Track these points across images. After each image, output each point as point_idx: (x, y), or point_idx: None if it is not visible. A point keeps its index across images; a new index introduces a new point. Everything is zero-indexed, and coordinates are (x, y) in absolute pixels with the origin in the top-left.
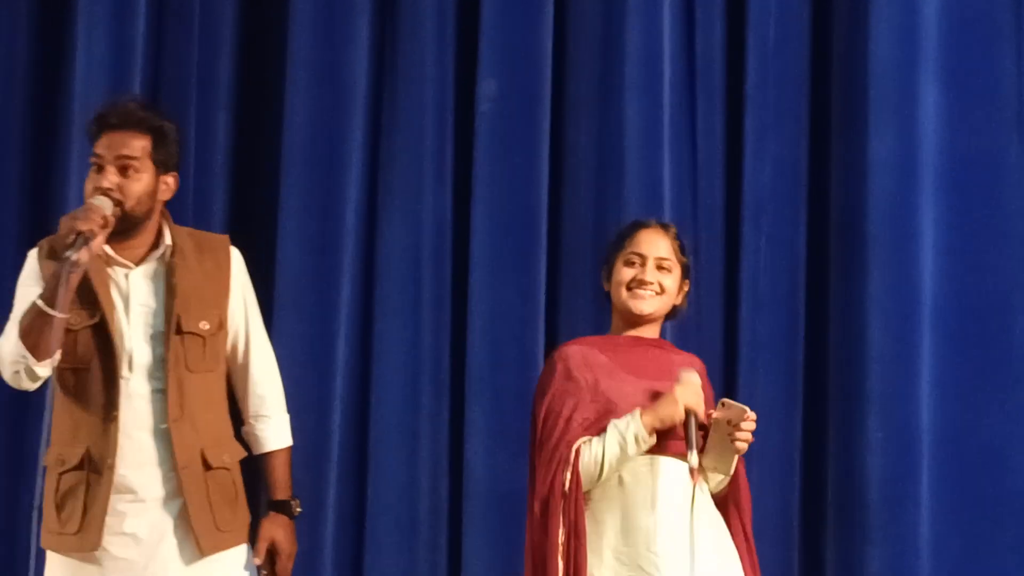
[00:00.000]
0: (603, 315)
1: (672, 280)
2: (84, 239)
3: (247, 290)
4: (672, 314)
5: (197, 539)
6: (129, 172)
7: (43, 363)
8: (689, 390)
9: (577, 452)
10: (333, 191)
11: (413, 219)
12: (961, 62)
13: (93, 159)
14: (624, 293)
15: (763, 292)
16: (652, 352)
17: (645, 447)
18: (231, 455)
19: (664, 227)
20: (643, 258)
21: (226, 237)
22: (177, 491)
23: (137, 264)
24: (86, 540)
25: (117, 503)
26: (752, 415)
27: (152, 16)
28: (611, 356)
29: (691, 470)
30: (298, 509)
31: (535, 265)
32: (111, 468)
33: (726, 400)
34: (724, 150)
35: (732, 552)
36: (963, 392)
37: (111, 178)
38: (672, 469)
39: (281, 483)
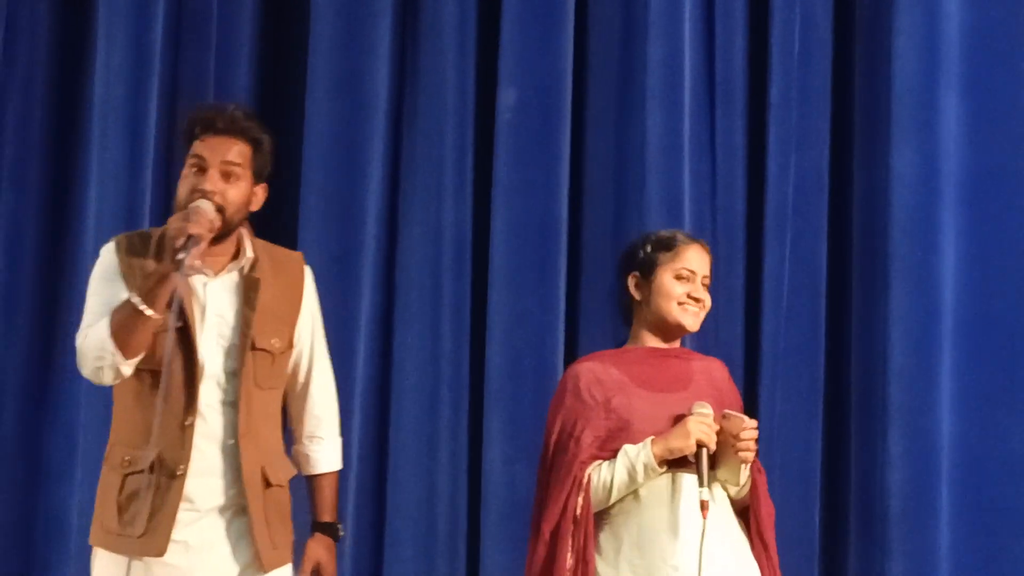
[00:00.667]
0: (621, 326)
1: (708, 298)
2: (195, 242)
3: (316, 310)
4: None
5: (259, 555)
6: (231, 178)
7: (129, 361)
8: (701, 423)
9: (588, 476)
10: (353, 201)
11: (433, 228)
12: (982, 77)
13: (193, 160)
14: (675, 307)
15: (784, 305)
16: (669, 362)
17: (655, 476)
18: (285, 473)
19: (705, 245)
20: (693, 274)
21: (300, 255)
22: (236, 504)
23: (216, 274)
24: (151, 545)
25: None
26: (750, 424)
27: (170, 25)
28: (625, 370)
29: (701, 503)
30: (342, 532)
31: (554, 275)
32: (182, 476)
33: (726, 411)
34: (745, 162)
35: (750, 564)
36: (982, 406)
37: (216, 183)
38: (689, 485)
39: (329, 505)
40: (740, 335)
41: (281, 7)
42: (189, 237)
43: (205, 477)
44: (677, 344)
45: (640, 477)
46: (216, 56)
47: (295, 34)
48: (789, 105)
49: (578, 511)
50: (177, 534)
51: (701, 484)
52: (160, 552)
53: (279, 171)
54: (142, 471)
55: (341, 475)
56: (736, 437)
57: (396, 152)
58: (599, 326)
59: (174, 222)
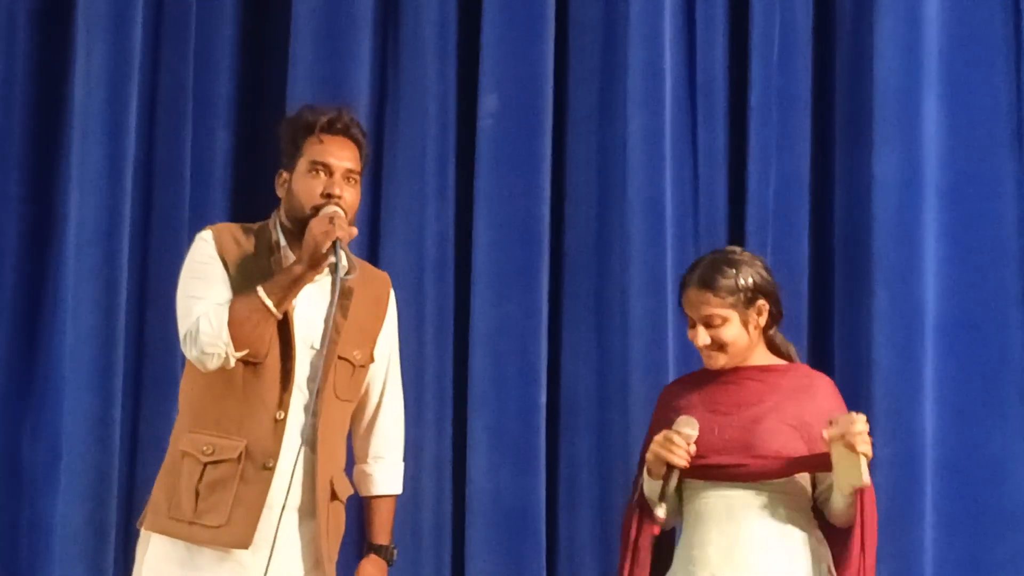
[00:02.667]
0: (606, 330)
1: (731, 329)
2: (341, 246)
3: (395, 332)
4: (770, 340)
5: (320, 563)
6: (349, 183)
7: (239, 353)
8: (659, 445)
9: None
10: None
11: (415, 234)
12: (961, 80)
13: (315, 164)
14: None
15: None
16: (744, 384)
17: (651, 483)
18: (345, 490)
19: (703, 282)
20: (693, 320)
21: (387, 275)
22: (306, 509)
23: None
24: (235, 536)
25: None
26: (859, 417)
27: (149, 32)
28: (699, 392)
29: (655, 517)
30: (396, 556)
31: (537, 280)
32: (271, 470)
33: (833, 418)
34: (726, 166)
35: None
36: (965, 407)
37: (342, 188)
38: (741, 503)
39: (386, 527)
40: None
41: (261, 14)
42: (335, 241)
43: (285, 476)
44: (765, 360)
45: (646, 489)
46: (195, 63)
47: (275, 42)
48: (770, 108)
49: (632, 531)
50: None
51: (660, 498)
52: (246, 544)
53: (260, 180)
54: (227, 460)
55: None
56: (850, 435)
57: (378, 159)
58: (582, 331)
59: (318, 226)
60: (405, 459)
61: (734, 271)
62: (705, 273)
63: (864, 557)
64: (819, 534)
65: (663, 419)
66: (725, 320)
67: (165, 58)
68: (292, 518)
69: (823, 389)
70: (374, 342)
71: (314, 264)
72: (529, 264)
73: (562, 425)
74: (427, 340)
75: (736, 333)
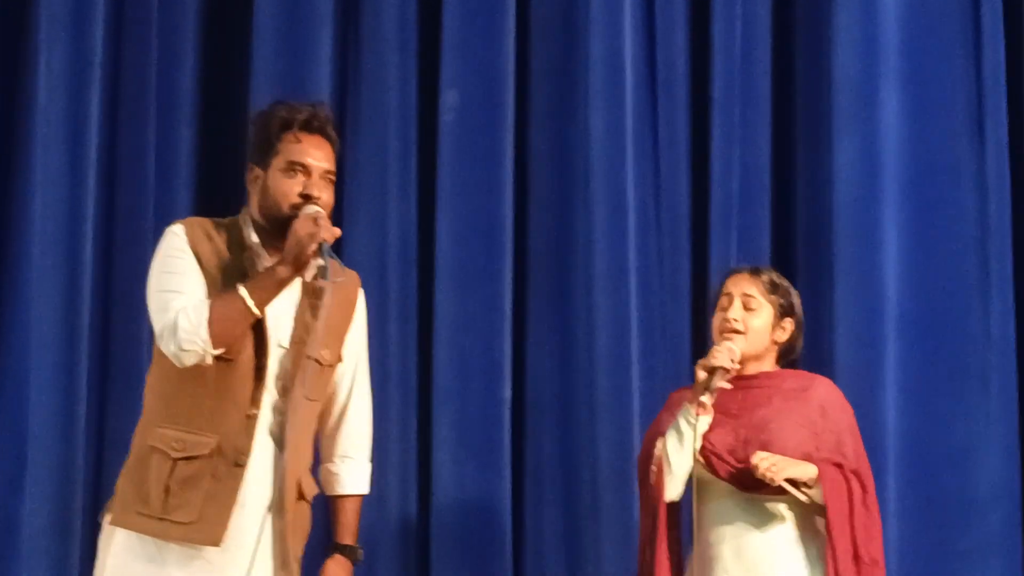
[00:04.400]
0: (570, 325)
1: (760, 318)
2: (327, 248)
3: (364, 332)
4: (785, 352)
5: (287, 565)
6: (327, 184)
7: (217, 350)
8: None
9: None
10: None
11: (378, 230)
12: (920, 71)
13: (296, 165)
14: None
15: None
16: (749, 388)
17: (698, 421)
18: (312, 490)
19: (755, 271)
20: (725, 304)
21: (356, 274)
22: (274, 509)
23: None
24: (206, 533)
25: None
26: (758, 462)
27: (110, 30)
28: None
29: (700, 404)
30: (361, 555)
31: (500, 275)
32: (243, 467)
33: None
34: (689, 159)
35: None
36: (926, 399)
37: (320, 189)
38: (754, 508)
39: (351, 527)
40: (687, 329)
41: (222, 12)
42: (321, 244)
43: (258, 472)
44: (768, 367)
45: (684, 427)
46: (158, 61)
47: (237, 39)
48: (731, 102)
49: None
50: None
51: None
52: (217, 542)
53: (223, 178)
54: (199, 456)
55: None
56: (764, 478)
57: (339, 155)
58: (546, 326)
59: (303, 228)
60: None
61: (783, 283)
62: (759, 267)
63: (833, 545)
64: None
65: (669, 419)
66: (760, 308)
67: (127, 57)
68: (259, 517)
69: (823, 388)
70: (342, 342)
71: (299, 267)
72: (492, 259)
73: (527, 420)
74: (391, 337)
75: (762, 325)
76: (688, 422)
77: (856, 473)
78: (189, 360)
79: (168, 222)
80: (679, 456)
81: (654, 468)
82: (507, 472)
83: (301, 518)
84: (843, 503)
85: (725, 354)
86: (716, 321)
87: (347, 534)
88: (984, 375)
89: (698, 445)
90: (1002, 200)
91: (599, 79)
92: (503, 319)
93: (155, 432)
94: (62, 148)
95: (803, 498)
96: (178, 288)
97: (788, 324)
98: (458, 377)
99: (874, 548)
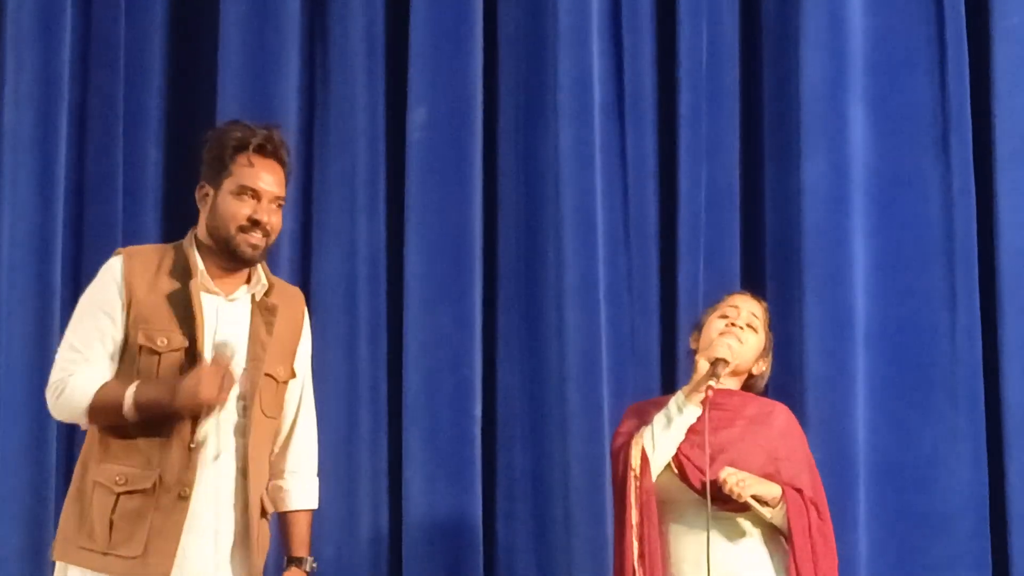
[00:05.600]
0: (540, 341)
1: (755, 340)
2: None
3: (309, 348)
4: (749, 385)
5: None
6: (276, 208)
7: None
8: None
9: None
10: None
11: (347, 249)
12: (886, 86)
13: (247, 190)
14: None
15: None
16: (712, 411)
17: (690, 408)
18: (270, 507)
19: (758, 299)
20: (737, 310)
21: (299, 291)
22: (234, 532)
23: (228, 297)
24: (152, 567)
25: None
26: (726, 478)
27: (77, 51)
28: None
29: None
30: (315, 565)
31: (470, 291)
32: (187, 498)
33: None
34: (657, 175)
35: None
36: (896, 410)
37: (269, 215)
38: (726, 525)
39: (305, 541)
40: (656, 349)
41: (189, 31)
42: (210, 409)
43: (208, 502)
44: (733, 392)
45: (674, 414)
46: (125, 81)
47: (204, 57)
48: (699, 117)
49: (634, 466)
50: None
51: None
52: (166, 572)
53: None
54: (141, 491)
55: None
56: (732, 495)
57: (308, 174)
58: (515, 342)
59: (207, 389)
60: (340, 473)
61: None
62: (758, 297)
63: (797, 568)
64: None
65: (633, 431)
66: (758, 331)
67: (94, 76)
68: (216, 544)
69: (783, 416)
70: (293, 357)
71: (189, 415)
72: (461, 276)
73: (498, 436)
74: (361, 353)
75: (755, 346)
76: (679, 408)
77: (814, 503)
78: (65, 421)
79: (137, 241)
80: (665, 438)
81: (634, 468)
82: (478, 488)
83: (263, 536)
84: (805, 525)
85: (726, 347)
86: (716, 324)
87: (302, 547)
88: (951, 388)
89: (682, 437)
90: (967, 214)
91: (567, 96)
92: (473, 336)
93: (97, 467)
94: (30, 168)
95: (766, 515)
96: (86, 349)
97: (765, 363)
98: (428, 394)
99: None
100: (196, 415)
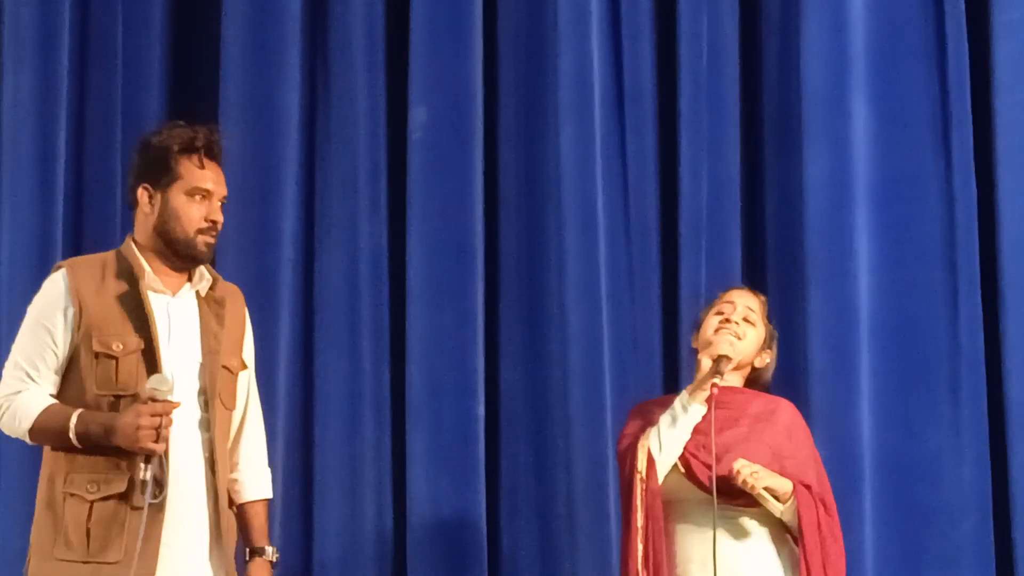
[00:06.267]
0: (542, 340)
1: (754, 334)
2: (156, 465)
3: (252, 341)
4: (755, 378)
5: (227, 572)
6: (221, 208)
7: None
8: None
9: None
10: (269, 223)
11: (349, 249)
12: (887, 82)
13: (200, 191)
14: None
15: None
16: (717, 411)
17: (695, 407)
18: (235, 497)
19: (756, 293)
20: (722, 311)
21: (237, 287)
22: (209, 526)
23: (175, 294)
24: (137, 570)
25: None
26: (739, 471)
27: (75, 54)
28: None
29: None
30: (277, 554)
31: (472, 290)
32: (162, 499)
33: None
34: (657, 172)
35: None
36: (901, 407)
37: (220, 215)
38: (730, 524)
39: (264, 530)
40: (658, 346)
41: (189, 33)
42: (150, 456)
43: (182, 497)
44: (737, 390)
45: (679, 414)
46: (124, 83)
47: (205, 60)
48: (699, 114)
49: (641, 469)
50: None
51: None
52: (151, 574)
53: None
54: (114, 496)
55: None
56: (744, 486)
57: (310, 174)
58: (518, 341)
59: (145, 438)
60: (343, 473)
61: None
62: (755, 291)
63: (807, 564)
64: (796, 552)
65: (638, 432)
66: (756, 325)
67: (93, 81)
68: (195, 540)
69: (788, 412)
70: (241, 349)
71: (128, 449)
72: (463, 275)
73: (501, 435)
74: (363, 354)
75: (754, 340)
76: (684, 407)
77: (820, 499)
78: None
79: None
80: (671, 438)
81: (640, 471)
82: (482, 488)
83: (232, 527)
84: (814, 521)
85: (727, 343)
86: (712, 321)
87: (262, 537)
88: (954, 383)
89: (688, 436)
90: (969, 209)
91: (567, 94)
92: (475, 335)
93: (65, 479)
94: (30, 173)
95: (777, 510)
96: (30, 367)
97: (768, 355)
98: (431, 394)
99: (840, 572)
100: (134, 451)
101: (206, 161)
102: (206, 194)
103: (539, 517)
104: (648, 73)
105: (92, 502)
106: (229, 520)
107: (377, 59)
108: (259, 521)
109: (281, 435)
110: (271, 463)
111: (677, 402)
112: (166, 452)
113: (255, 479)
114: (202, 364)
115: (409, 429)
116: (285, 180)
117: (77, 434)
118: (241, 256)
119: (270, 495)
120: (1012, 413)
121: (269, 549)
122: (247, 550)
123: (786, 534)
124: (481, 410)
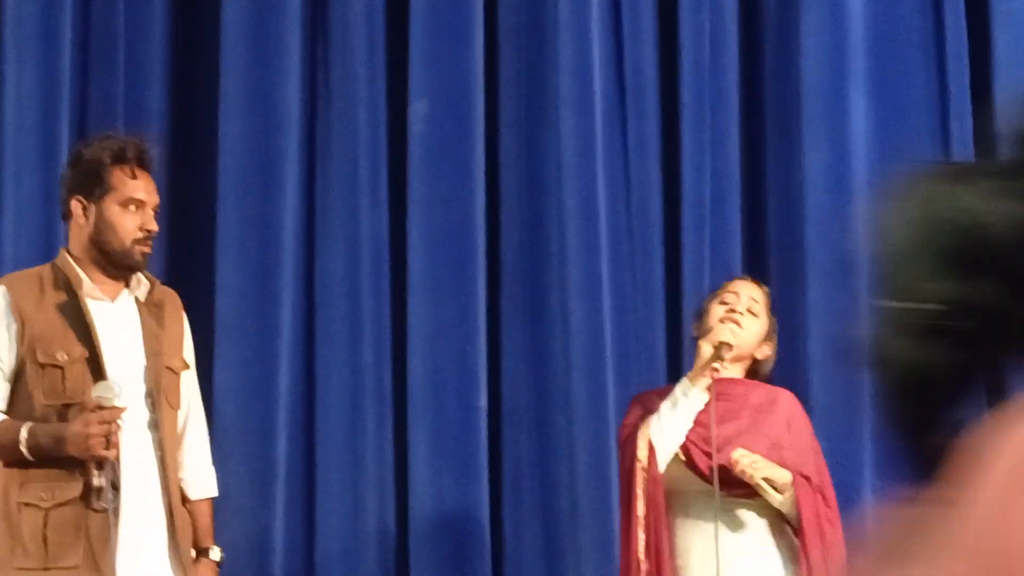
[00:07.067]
0: (544, 332)
1: (757, 325)
2: (109, 469)
3: (191, 343)
4: (755, 370)
5: (184, 568)
6: (155, 217)
7: None
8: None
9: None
10: (270, 217)
11: (350, 242)
12: (887, 75)
13: (134, 202)
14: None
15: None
16: (717, 403)
17: (695, 393)
18: (187, 495)
19: (759, 284)
20: (736, 295)
21: (174, 291)
22: (163, 524)
23: (113, 300)
24: (95, 572)
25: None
26: (737, 459)
27: (78, 48)
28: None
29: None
30: (223, 554)
31: (473, 283)
32: (115, 502)
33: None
34: (660, 164)
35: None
36: None
37: (155, 224)
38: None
39: (209, 530)
40: (661, 338)
41: (190, 28)
42: (104, 462)
43: (137, 500)
44: (737, 381)
45: (680, 401)
46: (126, 78)
47: (206, 54)
48: (702, 106)
49: (641, 457)
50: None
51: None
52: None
53: (194, 192)
54: (68, 502)
55: (269, 491)
56: (743, 476)
57: (311, 168)
58: (520, 333)
59: (96, 445)
60: (345, 466)
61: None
62: (758, 282)
63: (807, 555)
64: (795, 543)
65: (639, 421)
66: (759, 315)
67: (95, 76)
68: (151, 540)
69: (788, 402)
70: (182, 349)
71: (80, 456)
72: (465, 268)
73: (503, 428)
74: (364, 347)
75: (757, 331)
76: (685, 393)
77: (820, 490)
78: None
79: None
80: (672, 424)
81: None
82: (484, 480)
83: (186, 520)
84: (814, 513)
85: (728, 331)
86: (717, 310)
87: (207, 537)
88: None
89: (690, 424)
90: None
91: (568, 86)
92: (477, 327)
93: (20, 490)
94: (33, 168)
95: (776, 499)
96: None
97: (770, 347)
98: (433, 386)
99: (840, 563)
100: (86, 457)
101: (138, 171)
102: (139, 204)
103: (542, 509)
104: (649, 65)
105: (47, 510)
106: (184, 518)
107: (378, 52)
108: (205, 520)
109: (282, 429)
110: (272, 457)
111: (678, 388)
112: (117, 456)
113: (199, 478)
114: (146, 366)
115: (411, 422)
116: (285, 173)
117: (29, 447)
118: (242, 250)
119: (215, 493)
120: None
121: (215, 549)
122: (193, 550)
123: (785, 526)
124: (483, 402)
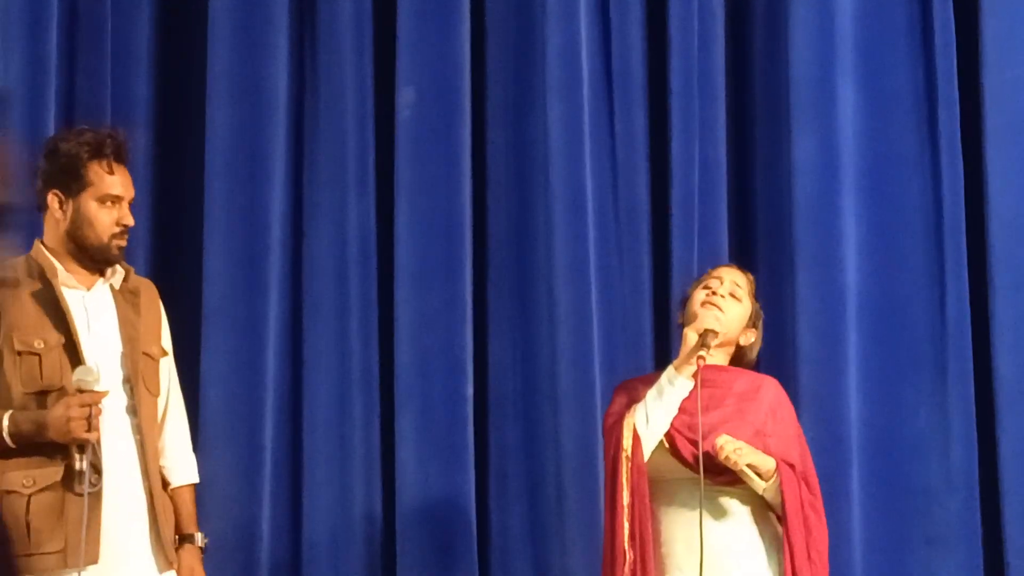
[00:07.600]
0: (531, 320)
1: (739, 309)
2: (91, 451)
3: (168, 331)
4: (740, 356)
5: (166, 553)
6: (130, 210)
7: None
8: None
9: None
10: (257, 205)
11: (338, 230)
12: (874, 65)
13: (111, 197)
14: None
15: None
16: (702, 390)
17: (680, 381)
18: (168, 480)
19: (743, 270)
20: (708, 284)
21: (150, 281)
22: (144, 511)
23: (89, 288)
24: (81, 555)
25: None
26: (722, 446)
27: (64, 34)
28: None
29: (699, 358)
30: (206, 540)
31: (460, 271)
32: (97, 485)
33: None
34: (647, 153)
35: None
36: (888, 387)
37: (131, 218)
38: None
39: (192, 516)
40: (648, 326)
41: (177, 14)
42: (85, 445)
43: (118, 485)
44: (722, 368)
45: (666, 388)
46: (113, 65)
47: (193, 41)
48: (690, 94)
49: (626, 447)
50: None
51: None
52: (94, 560)
53: (182, 179)
54: (50, 487)
55: (256, 478)
56: (727, 462)
57: (298, 155)
58: (506, 321)
59: (77, 428)
60: (332, 454)
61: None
62: (743, 268)
63: (790, 543)
64: (779, 531)
65: (624, 410)
66: (742, 300)
67: (82, 63)
68: (132, 524)
69: (772, 390)
70: (160, 337)
71: (62, 442)
72: (452, 255)
73: (490, 416)
74: (352, 335)
75: (740, 316)
76: (670, 381)
77: (804, 477)
78: None
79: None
80: (657, 413)
81: (625, 448)
82: (471, 468)
83: (168, 506)
84: (797, 500)
85: (713, 317)
86: (699, 295)
87: (190, 523)
88: (941, 364)
89: (675, 411)
90: (956, 189)
91: (555, 74)
92: (464, 316)
93: (1, 477)
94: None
95: (760, 486)
96: None
97: (753, 334)
98: (420, 375)
99: (822, 550)
100: (68, 442)
101: (115, 166)
102: (116, 200)
103: (528, 497)
104: (637, 53)
105: (29, 496)
106: (164, 502)
107: (365, 39)
108: (187, 507)
109: (270, 417)
110: (259, 444)
111: (663, 377)
112: (98, 439)
113: (180, 465)
114: (123, 353)
115: (398, 409)
116: (273, 161)
117: (11, 435)
118: (230, 237)
119: (196, 480)
120: (999, 393)
121: (198, 535)
122: (176, 536)
123: (769, 513)
124: (470, 390)
